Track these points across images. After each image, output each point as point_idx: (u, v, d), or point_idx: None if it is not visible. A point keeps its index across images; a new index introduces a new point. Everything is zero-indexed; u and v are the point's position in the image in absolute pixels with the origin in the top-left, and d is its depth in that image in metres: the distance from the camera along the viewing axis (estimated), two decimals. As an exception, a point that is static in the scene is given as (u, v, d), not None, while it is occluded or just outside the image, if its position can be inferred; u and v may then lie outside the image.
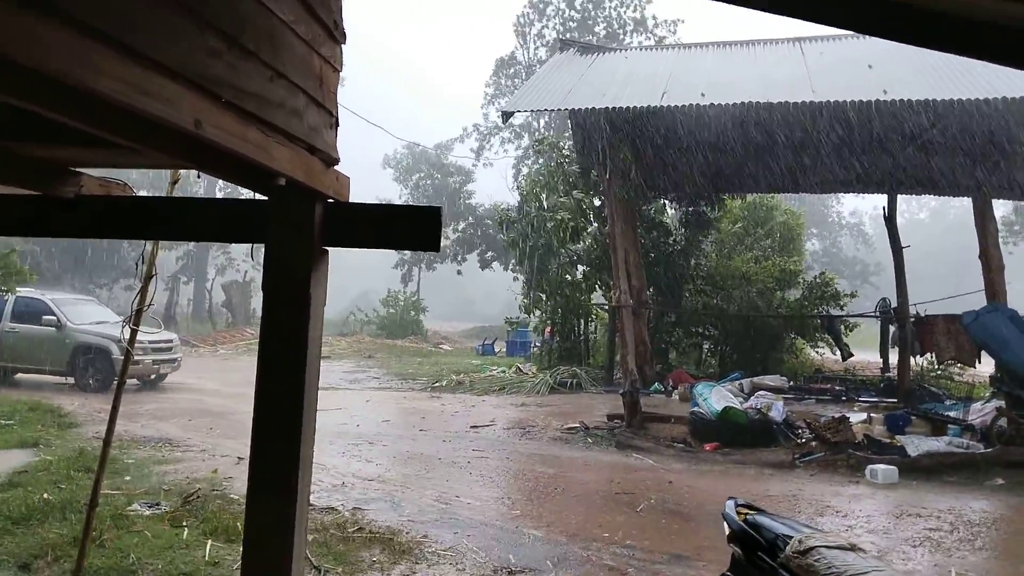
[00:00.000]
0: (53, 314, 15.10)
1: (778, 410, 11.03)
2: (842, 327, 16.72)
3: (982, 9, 2.74)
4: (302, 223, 2.95)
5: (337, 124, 3.25)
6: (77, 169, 3.34)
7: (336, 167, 3.20)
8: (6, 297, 13.98)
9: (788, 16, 3.25)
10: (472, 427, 12.00)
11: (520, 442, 11.04)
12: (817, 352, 19.16)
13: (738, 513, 3.52)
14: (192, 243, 34.69)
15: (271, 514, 2.97)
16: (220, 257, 39.42)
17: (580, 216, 19.04)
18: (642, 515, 7.28)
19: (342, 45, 3.22)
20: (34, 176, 3.08)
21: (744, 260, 19.49)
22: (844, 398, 14.00)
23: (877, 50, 12.17)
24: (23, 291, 13.70)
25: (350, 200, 3.30)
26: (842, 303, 18.23)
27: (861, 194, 17.33)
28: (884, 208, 14.67)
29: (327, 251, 3.10)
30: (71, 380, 14.92)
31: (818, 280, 18.67)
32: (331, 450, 9.79)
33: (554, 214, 19.06)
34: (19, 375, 15.39)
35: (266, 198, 2.95)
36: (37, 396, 13.02)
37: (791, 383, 15.00)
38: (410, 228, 3.11)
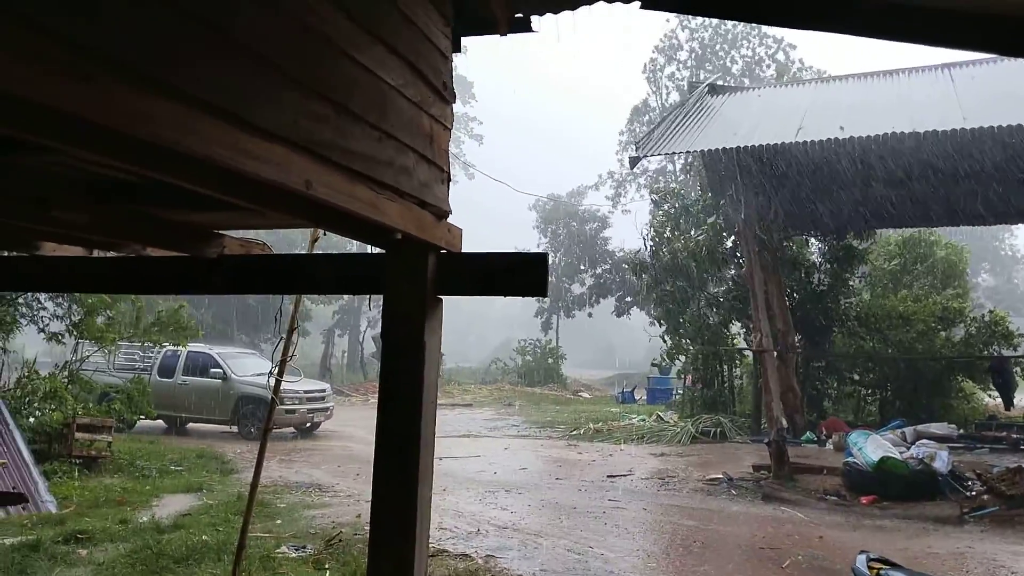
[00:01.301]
0: (220, 367, 16.35)
1: (943, 460, 10.10)
2: (1017, 369, 15.16)
3: None
4: (416, 274, 3.09)
5: (449, 179, 3.39)
6: (221, 231, 3.68)
7: (448, 219, 3.33)
8: (179, 352, 15.31)
9: (915, 44, 3.11)
10: (609, 477, 11.79)
11: (659, 493, 10.73)
12: (990, 397, 17.45)
13: (870, 568, 3.26)
14: (346, 297, 36.63)
15: (392, 556, 3.06)
16: (372, 311, 41.42)
17: (716, 244, 18.37)
18: (788, 572, 6.85)
19: (452, 104, 3.38)
20: (181, 239, 3.41)
21: (901, 298, 18.20)
22: (1022, 447, 12.64)
23: (1033, 71, 11.27)
24: (194, 346, 14.95)
25: (463, 251, 3.42)
26: (1015, 343, 16.56)
27: (1033, 224, 15.87)
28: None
29: (441, 300, 3.21)
30: (235, 428, 16.04)
31: (987, 318, 17.10)
32: (468, 496, 9.93)
33: (686, 250, 18.58)
34: (189, 424, 16.72)
35: (383, 251, 3.13)
36: (204, 444, 14.09)
37: (960, 431, 13.74)
38: (518, 275, 3.18)
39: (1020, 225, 21.51)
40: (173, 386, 16.26)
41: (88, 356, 13.03)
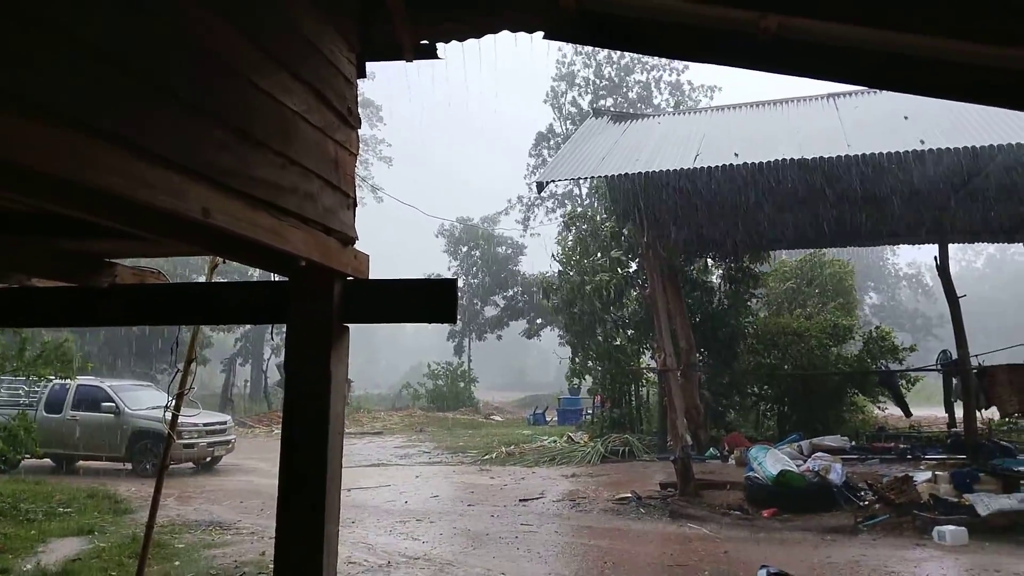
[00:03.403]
0: (112, 400, 15.50)
1: (837, 472, 10.59)
2: (902, 382, 16.10)
3: (988, 56, 2.74)
4: (321, 301, 3.04)
5: (355, 204, 3.36)
6: (113, 260, 3.51)
7: (354, 245, 3.29)
8: (68, 385, 14.43)
9: (802, 77, 3.29)
10: (521, 500, 11.79)
11: (570, 514, 10.80)
12: (880, 408, 18.47)
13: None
14: (248, 325, 35.48)
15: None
16: (275, 338, 40.26)
17: (620, 278, 18.96)
18: (696, 587, 7.00)
19: (357, 130, 3.36)
20: (71, 268, 3.24)
21: (794, 316, 19.10)
22: (909, 456, 13.37)
23: (911, 103, 12.10)
24: (84, 379, 14.13)
25: (370, 277, 3.38)
26: (900, 357, 17.61)
27: (913, 244, 16.95)
28: (935, 258, 14.30)
29: (347, 328, 3.16)
30: (129, 466, 15.21)
31: (875, 334, 18.14)
32: (378, 527, 9.72)
33: (592, 277, 19.04)
34: (80, 462, 15.74)
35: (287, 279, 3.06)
36: (96, 483, 13.28)
37: (853, 443, 14.42)
38: (427, 301, 3.17)
39: (902, 245, 22.93)
40: (61, 422, 15.28)
41: (-35, 392, 12.12)
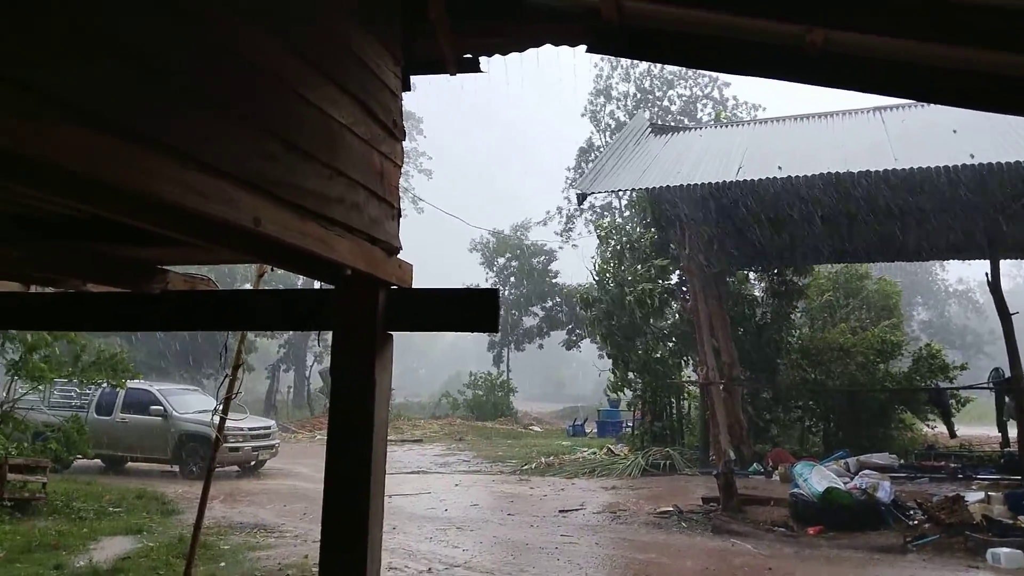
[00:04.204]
0: (160, 404, 15.88)
1: (885, 490, 10.35)
2: (952, 401, 15.68)
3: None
4: (366, 310, 3.08)
5: (399, 215, 3.41)
6: (165, 267, 3.62)
7: (399, 255, 3.34)
8: (118, 389, 14.82)
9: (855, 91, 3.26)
10: (561, 511, 11.75)
11: (611, 527, 10.73)
12: (929, 427, 18.00)
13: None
14: (291, 332, 36.04)
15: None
16: (317, 345, 40.76)
17: (661, 289, 18.77)
18: (737, 604, 6.90)
19: (402, 142, 3.42)
20: (123, 275, 3.35)
21: (840, 331, 18.73)
22: (960, 476, 13.02)
23: (960, 116, 11.84)
24: (133, 383, 14.51)
25: (414, 286, 3.43)
26: (951, 376, 17.16)
27: (963, 260, 16.56)
28: (987, 274, 13.94)
29: (391, 336, 3.21)
30: (176, 468, 15.54)
31: (924, 352, 17.70)
32: (418, 535, 9.78)
33: (634, 288, 18.90)
34: (128, 463, 16.14)
35: (331, 287, 3.12)
36: (144, 484, 13.61)
37: (901, 461, 14.10)
38: (468, 310, 3.21)
39: (951, 260, 22.40)
40: (111, 424, 15.69)
41: (24, 394, 12.52)
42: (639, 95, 41.59)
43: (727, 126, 21.44)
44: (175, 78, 1.91)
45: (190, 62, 1.97)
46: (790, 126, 15.48)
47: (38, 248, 3.02)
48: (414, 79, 3.71)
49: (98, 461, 15.49)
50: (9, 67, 1.41)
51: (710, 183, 12.02)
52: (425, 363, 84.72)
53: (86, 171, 1.56)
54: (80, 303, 3.79)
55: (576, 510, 11.85)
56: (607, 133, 41.55)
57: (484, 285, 38.93)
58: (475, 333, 3.69)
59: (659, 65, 39.79)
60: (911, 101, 14.22)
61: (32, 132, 1.43)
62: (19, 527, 9.53)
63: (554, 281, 41.19)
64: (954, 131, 11.75)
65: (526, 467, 17.34)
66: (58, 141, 1.50)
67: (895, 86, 3.33)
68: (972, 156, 10.65)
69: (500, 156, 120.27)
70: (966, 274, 53.38)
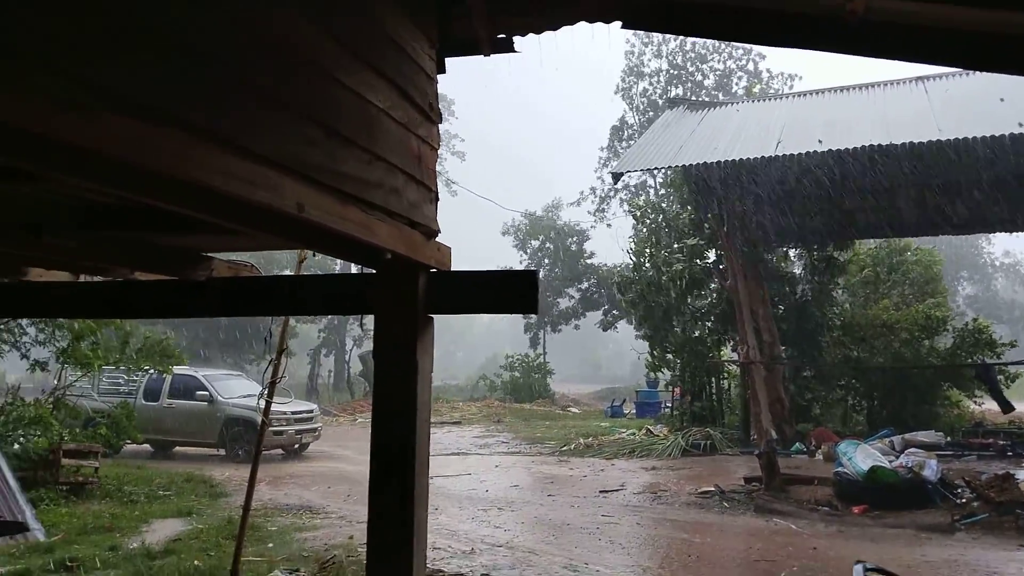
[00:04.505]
0: (205, 389, 16.22)
1: (932, 468, 10.17)
2: (1000, 377, 15.28)
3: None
4: (407, 293, 3.11)
5: (437, 198, 3.42)
6: (209, 254, 3.69)
7: (437, 238, 3.36)
8: (164, 375, 15.19)
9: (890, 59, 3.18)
10: (601, 492, 11.77)
11: (651, 507, 10.73)
12: (976, 404, 17.60)
13: (867, 578, 3.28)
14: (330, 317, 36.51)
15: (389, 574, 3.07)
16: (355, 329, 41.22)
17: (698, 268, 18.55)
18: (781, 583, 6.86)
19: (438, 125, 3.42)
20: (170, 263, 3.42)
21: (883, 307, 18.35)
22: (1010, 453, 12.75)
23: (1008, 83, 11.46)
24: (179, 369, 14.84)
25: (452, 269, 3.45)
26: (999, 351, 16.72)
27: (1010, 233, 16.10)
28: (1038, 246, 13.55)
29: (431, 318, 3.23)
30: (222, 451, 15.90)
31: (970, 327, 17.27)
32: (461, 515, 9.88)
33: (669, 268, 18.72)
34: (176, 448, 16.55)
35: (371, 271, 3.15)
36: (191, 467, 13.95)
37: (948, 439, 13.84)
38: (508, 292, 3.21)
39: (997, 234, 21.77)
40: (159, 410, 16.09)
41: (74, 382, 12.89)
42: (672, 71, 40.96)
43: (764, 100, 21.05)
44: (219, 67, 1.93)
45: (234, 51, 1.99)
46: (829, 98, 15.14)
47: (91, 238, 3.09)
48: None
49: (147, 446, 15.88)
50: (59, 60, 1.44)
51: (748, 158, 11.83)
52: (462, 346, 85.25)
53: (137, 161, 1.59)
54: (128, 291, 3.88)
55: (616, 490, 11.86)
56: (640, 111, 41.05)
57: (517, 267, 38.90)
58: (511, 315, 3.70)
59: (691, 40, 39.15)
60: (955, 70, 13.82)
61: (83, 123, 1.46)
62: (75, 510, 9.84)
63: (588, 262, 41.00)
64: (1001, 99, 11.39)
65: (565, 448, 17.37)
66: (108, 132, 1.53)
67: (942, 54, 3.22)
68: (1021, 124, 10.33)
69: (529, 138, 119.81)
70: (1013, 247, 52.00)
